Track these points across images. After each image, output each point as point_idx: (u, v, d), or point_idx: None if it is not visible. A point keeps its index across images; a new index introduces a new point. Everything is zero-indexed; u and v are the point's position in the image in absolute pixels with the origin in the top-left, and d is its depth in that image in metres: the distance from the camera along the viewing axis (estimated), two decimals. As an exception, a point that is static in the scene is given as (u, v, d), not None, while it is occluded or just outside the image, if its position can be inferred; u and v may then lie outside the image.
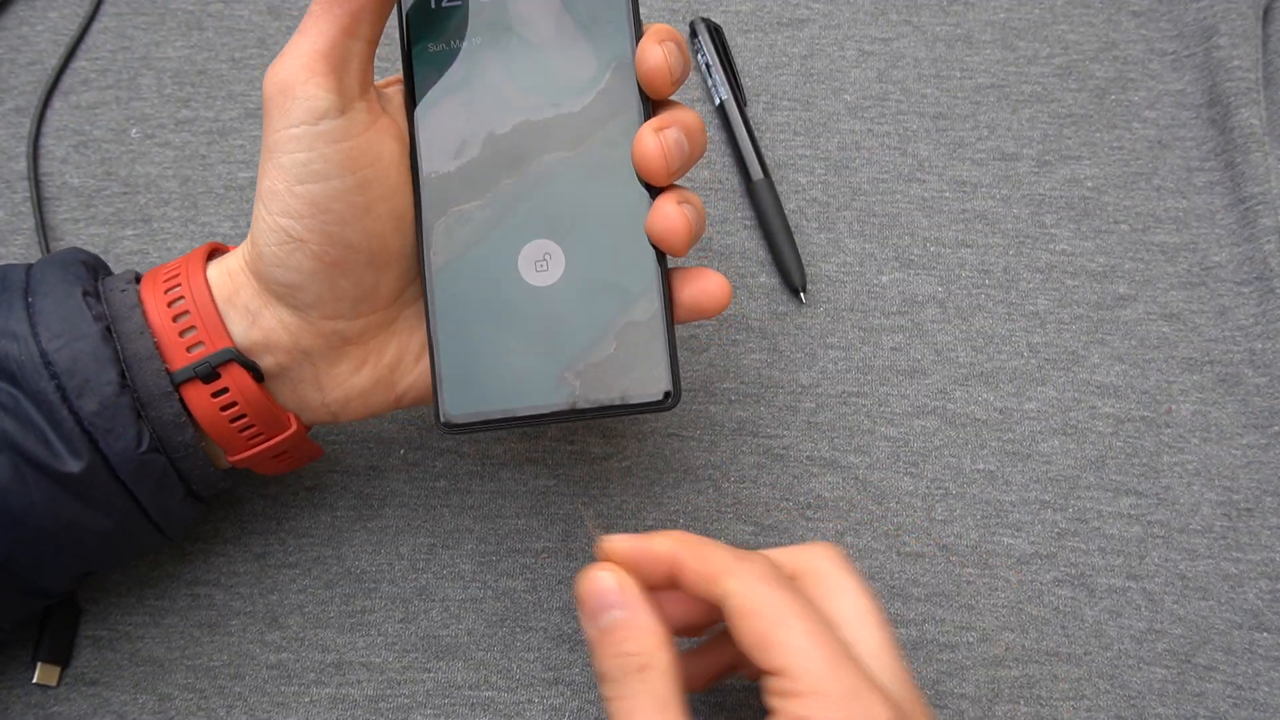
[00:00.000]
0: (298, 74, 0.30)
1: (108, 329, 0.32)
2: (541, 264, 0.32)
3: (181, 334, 0.32)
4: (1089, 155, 0.48)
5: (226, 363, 0.32)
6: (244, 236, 0.37)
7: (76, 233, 0.45)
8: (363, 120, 0.31)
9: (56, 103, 0.48)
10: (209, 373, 0.32)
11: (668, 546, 0.31)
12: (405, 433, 0.43)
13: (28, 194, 0.46)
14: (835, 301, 0.46)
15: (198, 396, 0.32)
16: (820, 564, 0.33)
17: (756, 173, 0.47)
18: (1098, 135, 0.49)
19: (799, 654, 0.28)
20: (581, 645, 0.40)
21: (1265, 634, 0.41)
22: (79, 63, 0.48)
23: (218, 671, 0.39)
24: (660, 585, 0.31)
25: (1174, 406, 0.44)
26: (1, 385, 0.31)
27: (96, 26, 0.49)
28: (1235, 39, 0.49)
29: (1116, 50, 0.50)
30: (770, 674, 0.29)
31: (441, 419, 0.32)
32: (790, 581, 0.30)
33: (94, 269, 0.34)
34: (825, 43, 0.50)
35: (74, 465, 0.31)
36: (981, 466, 0.43)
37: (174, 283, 0.33)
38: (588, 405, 0.32)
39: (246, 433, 0.33)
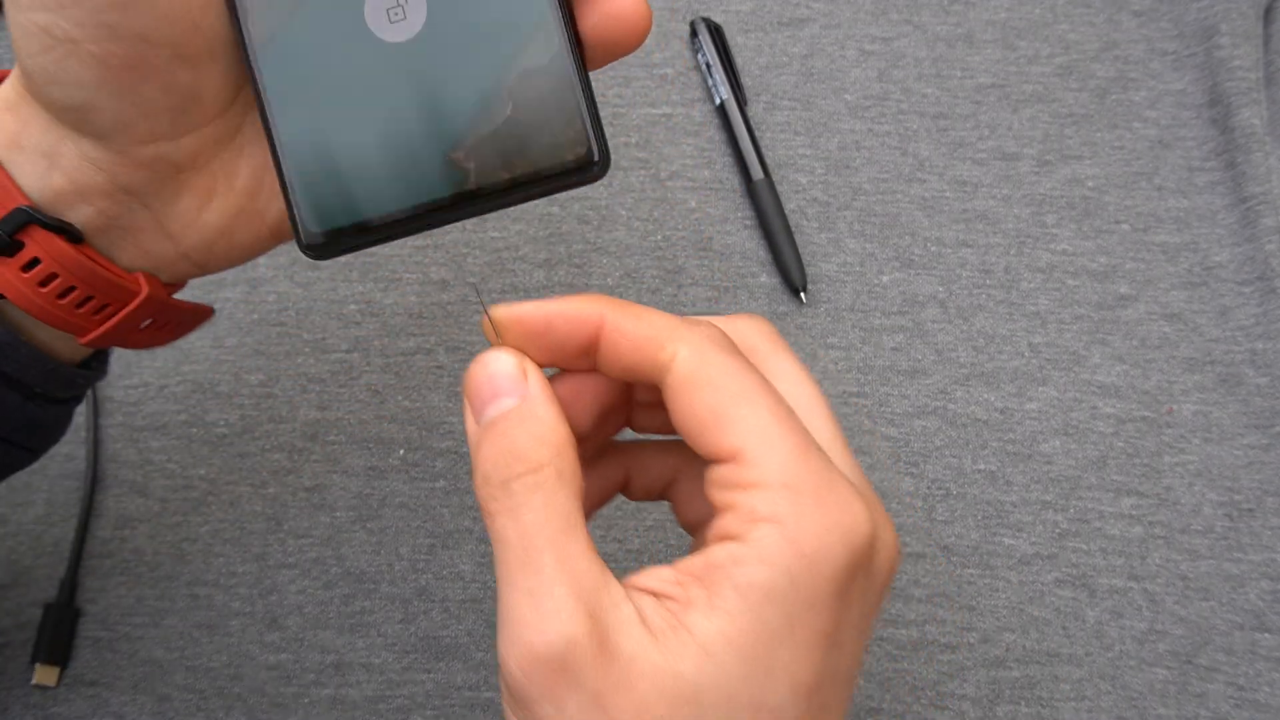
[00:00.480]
0: None
1: None
2: (396, 11, 0.25)
3: None
4: (1090, 155, 0.48)
5: (24, 226, 0.25)
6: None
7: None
8: None
9: (56, 103, 0.48)
10: (7, 243, 0.25)
11: (594, 308, 0.24)
12: (405, 433, 0.43)
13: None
14: (836, 301, 0.46)
15: (7, 277, 0.25)
16: (755, 340, 0.27)
17: (757, 173, 0.46)
18: (1099, 135, 0.49)
19: (764, 437, 0.23)
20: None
21: (1267, 635, 0.41)
22: (78, 63, 0.48)
23: (217, 672, 0.39)
24: (568, 363, 0.26)
25: (1175, 407, 0.44)
26: None
27: (96, 26, 0.49)
28: (1236, 39, 0.49)
29: (1117, 50, 0.50)
30: (720, 461, 0.23)
31: (304, 241, 0.25)
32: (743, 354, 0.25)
33: None
34: (826, 42, 0.50)
35: None
36: (982, 467, 0.43)
37: None
38: (489, 188, 0.25)
39: (86, 307, 0.26)
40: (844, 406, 0.44)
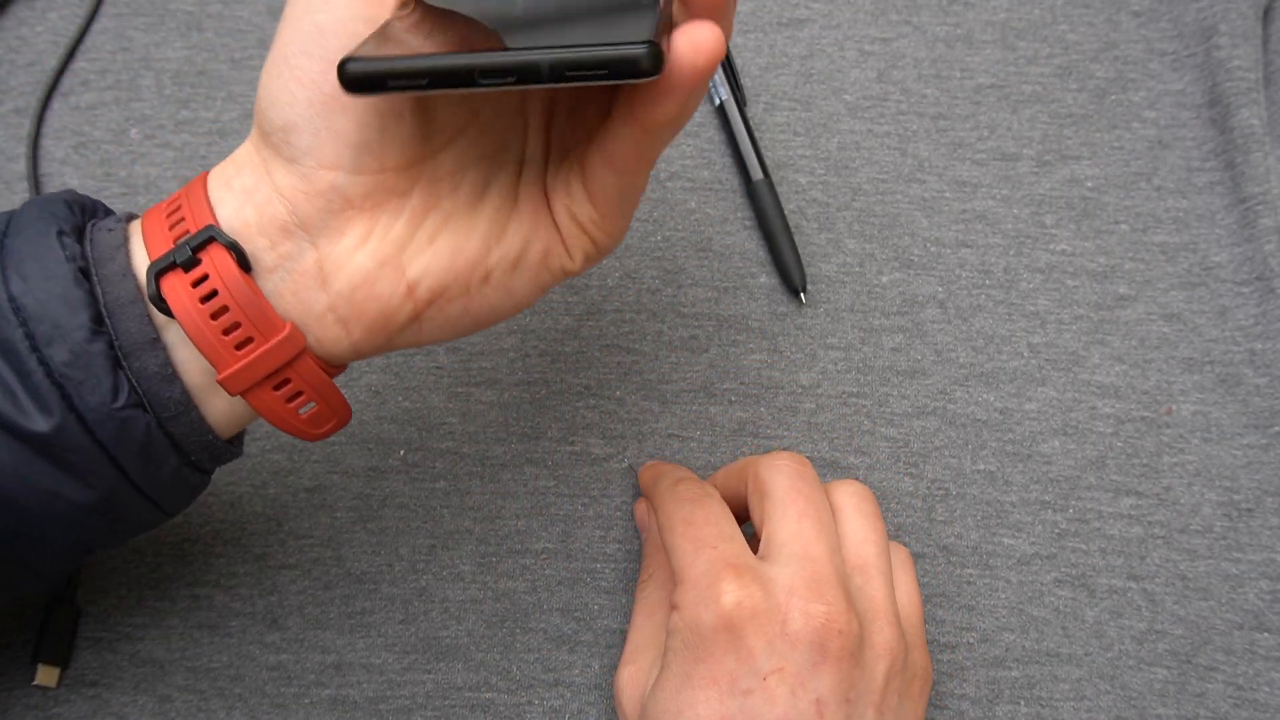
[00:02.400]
0: None
1: (82, 270, 0.29)
2: None
3: (175, 241, 0.29)
4: (1089, 155, 0.48)
5: (206, 245, 0.29)
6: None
7: (76, 234, 0.45)
8: None
9: (56, 104, 0.48)
10: (188, 259, 0.29)
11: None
12: (405, 434, 0.43)
13: (28, 194, 0.46)
14: (835, 302, 0.46)
15: (177, 289, 0.29)
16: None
17: (756, 173, 0.46)
18: (1098, 135, 0.49)
19: (675, 558, 0.36)
20: (581, 647, 0.40)
21: (1266, 634, 0.41)
22: (78, 64, 0.48)
23: (217, 673, 0.39)
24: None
25: (1174, 407, 0.44)
26: None
27: (96, 27, 0.49)
28: (1235, 39, 0.49)
29: (1116, 50, 0.50)
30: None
31: (347, 66, 0.26)
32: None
33: (85, 209, 0.32)
34: (825, 43, 0.50)
35: (42, 423, 0.28)
36: (982, 467, 0.43)
37: (177, 201, 0.30)
38: (542, 60, 0.25)
39: (232, 335, 0.29)
40: (843, 407, 0.44)
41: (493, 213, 0.31)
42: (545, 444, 0.43)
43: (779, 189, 0.47)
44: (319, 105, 0.28)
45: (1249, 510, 0.43)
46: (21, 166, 0.46)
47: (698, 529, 0.35)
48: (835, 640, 0.32)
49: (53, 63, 0.48)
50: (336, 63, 0.27)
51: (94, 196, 0.46)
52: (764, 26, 0.50)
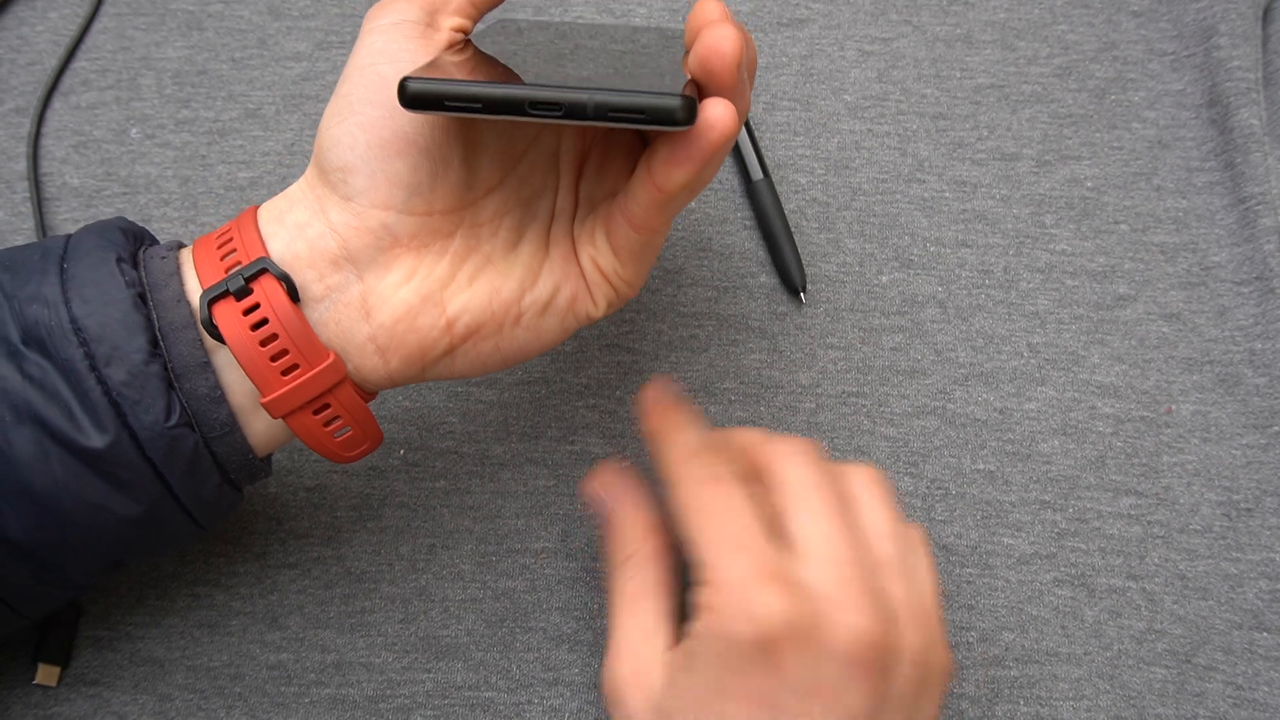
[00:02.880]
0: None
1: (140, 296, 0.31)
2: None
3: (227, 271, 0.31)
4: (1089, 155, 0.48)
5: (258, 276, 0.31)
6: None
7: (76, 233, 0.45)
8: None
9: (56, 103, 0.48)
10: (241, 288, 0.31)
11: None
12: (405, 433, 0.43)
13: (28, 194, 0.46)
14: (835, 301, 0.46)
15: (229, 316, 0.31)
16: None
17: (756, 173, 0.47)
18: (1097, 135, 0.49)
19: (709, 550, 0.34)
20: (581, 646, 0.40)
21: (1265, 634, 0.41)
22: (79, 63, 0.48)
23: (218, 672, 0.39)
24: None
25: (1174, 407, 0.44)
26: (31, 355, 0.30)
27: (96, 27, 0.49)
28: (1235, 39, 0.49)
29: (1116, 50, 0.50)
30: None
31: (408, 82, 0.28)
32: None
33: (136, 237, 0.33)
34: (825, 43, 0.50)
35: (98, 439, 0.30)
36: (981, 467, 0.43)
37: (228, 233, 0.32)
38: (588, 100, 0.27)
39: (279, 362, 0.31)
40: (843, 406, 0.44)
41: (528, 259, 0.33)
42: (545, 443, 0.43)
43: (779, 189, 0.47)
44: (377, 149, 0.31)
45: (1248, 510, 0.43)
46: (22, 166, 0.46)
47: (725, 522, 0.33)
48: (869, 654, 0.31)
49: (53, 62, 0.48)
50: (397, 108, 0.30)
51: (94, 196, 0.46)
52: (764, 26, 0.50)
